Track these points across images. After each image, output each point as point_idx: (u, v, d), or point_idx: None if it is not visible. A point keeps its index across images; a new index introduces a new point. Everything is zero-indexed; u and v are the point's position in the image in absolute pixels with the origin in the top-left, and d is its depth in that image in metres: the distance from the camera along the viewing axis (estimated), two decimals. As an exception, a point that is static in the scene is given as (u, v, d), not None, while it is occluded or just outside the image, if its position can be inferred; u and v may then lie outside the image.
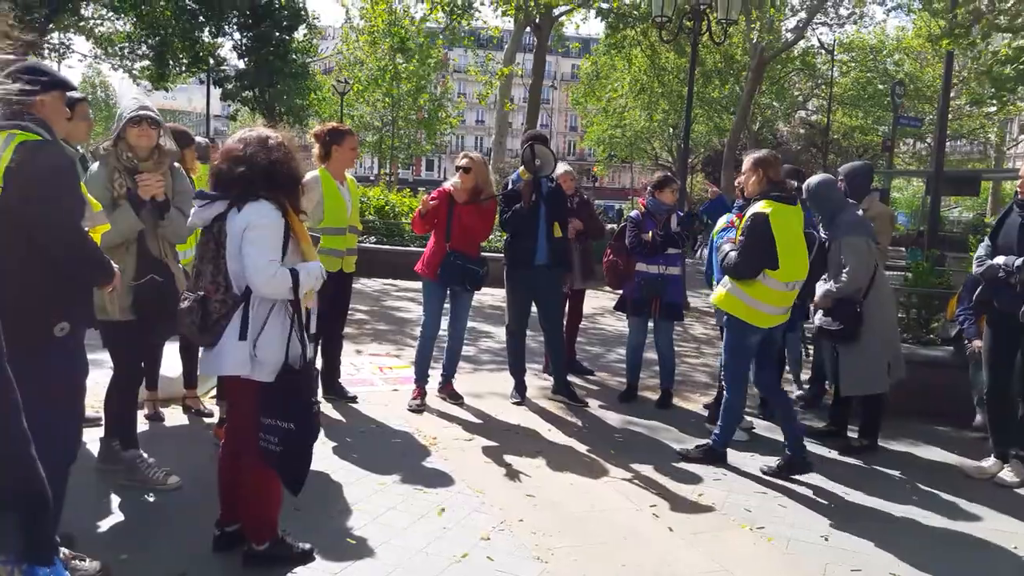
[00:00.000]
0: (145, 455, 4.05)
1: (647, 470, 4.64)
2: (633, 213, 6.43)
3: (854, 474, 4.80)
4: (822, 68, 33.18)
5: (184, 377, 5.24)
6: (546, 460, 4.73)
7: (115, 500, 3.79)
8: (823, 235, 5.28)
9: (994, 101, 16.05)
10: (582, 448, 5.01)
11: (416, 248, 12.94)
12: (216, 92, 25.43)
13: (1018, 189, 4.82)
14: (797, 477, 4.61)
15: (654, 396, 6.29)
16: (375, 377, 6.56)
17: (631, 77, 29.29)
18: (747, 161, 4.84)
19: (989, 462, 4.86)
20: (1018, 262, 4.53)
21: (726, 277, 4.73)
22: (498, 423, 5.47)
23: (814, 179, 5.39)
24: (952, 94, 19.66)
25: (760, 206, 4.58)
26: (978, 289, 4.90)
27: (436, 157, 57.26)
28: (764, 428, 5.63)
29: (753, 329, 4.67)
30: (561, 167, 6.59)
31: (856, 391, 5.22)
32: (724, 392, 4.95)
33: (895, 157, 30.30)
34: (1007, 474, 4.74)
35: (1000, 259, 4.65)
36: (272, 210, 2.97)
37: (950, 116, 20.92)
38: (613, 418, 5.76)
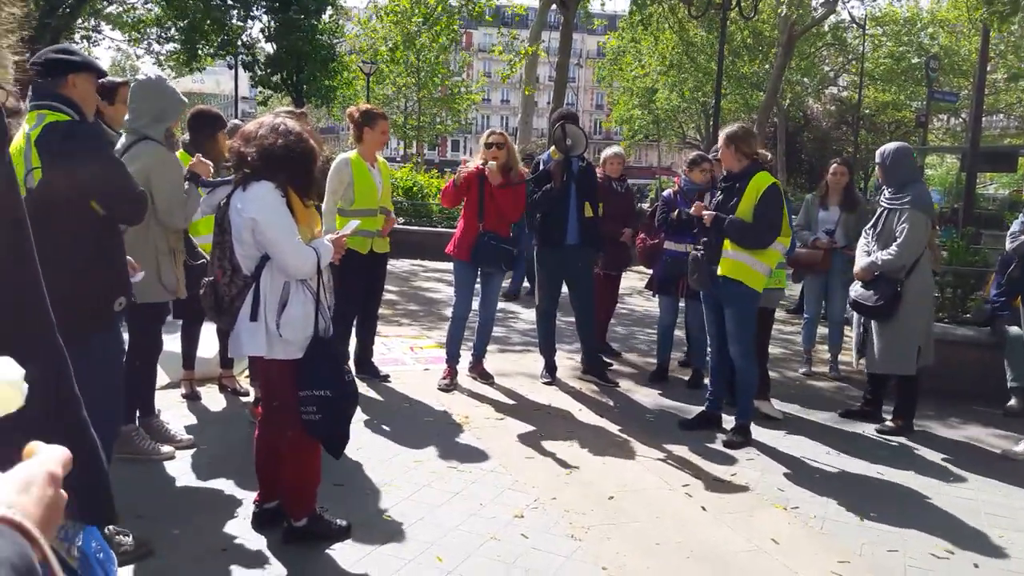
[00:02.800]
0: (140, 427, 4.15)
1: (679, 450, 4.63)
2: (666, 192, 6.39)
3: (889, 454, 4.76)
4: (853, 43, 32.54)
5: (220, 357, 5.31)
6: (578, 440, 4.74)
7: (155, 478, 3.87)
8: (884, 204, 5.17)
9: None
10: (613, 428, 5.02)
11: (444, 229, 12.97)
12: (245, 76, 25.58)
13: None
14: (830, 457, 4.60)
15: (685, 376, 6.27)
16: (406, 357, 6.61)
17: (658, 54, 28.94)
18: (722, 138, 4.85)
19: None
20: None
21: (735, 254, 4.72)
22: (529, 403, 5.49)
23: (891, 145, 5.27)
24: (988, 67, 19.22)
25: (764, 177, 4.72)
26: (1011, 267, 4.82)
27: (462, 137, 57.16)
28: (799, 410, 5.61)
29: (757, 295, 4.79)
30: (610, 149, 6.60)
31: (883, 369, 5.18)
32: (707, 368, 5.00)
33: (929, 133, 29.71)
34: None
35: None
36: (272, 190, 3.00)
37: (986, 90, 20.45)
38: (644, 398, 5.76)
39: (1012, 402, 5.61)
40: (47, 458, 0.76)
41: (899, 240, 4.92)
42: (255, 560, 3.12)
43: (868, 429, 5.19)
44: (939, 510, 3.95)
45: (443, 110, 38.35)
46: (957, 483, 4.33)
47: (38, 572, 0.63)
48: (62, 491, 0.75)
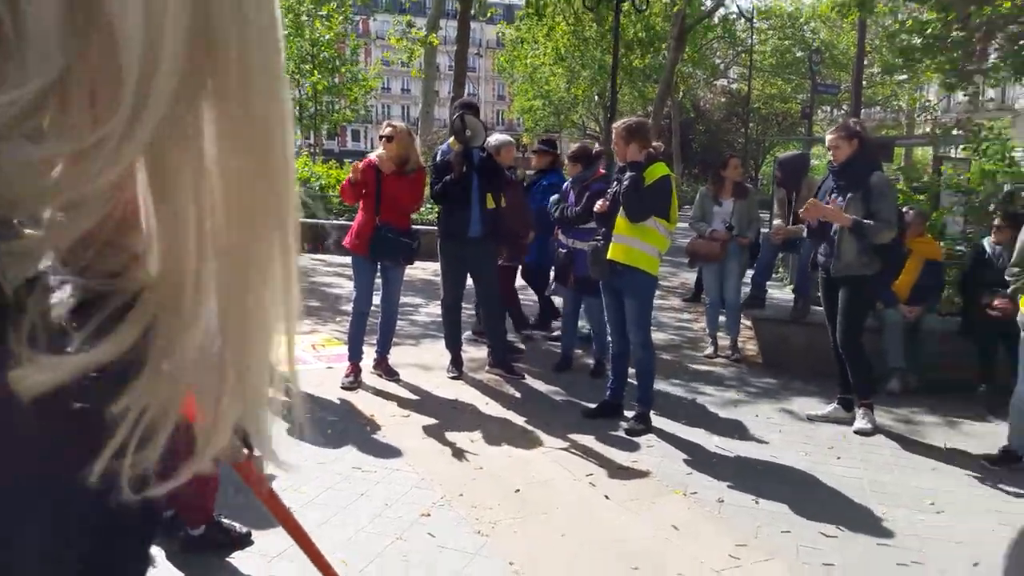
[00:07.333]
0: None
1: (583, 439, 4.71)
2: (564, 185, 6.48)
3: (782, 437, 4.97)
4: (742, 36, 33.67)
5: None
6: (484, 434, 4.75)
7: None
8: None
9: (904, 70, 16.62)
10: (519, 420, 5.06)
11: (344, 221, 12.74)
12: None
13: (831, 158, 5.21)
14: (726, 441, 4.78)
15: (589, 362, 6.37)
16: (308, 355, 6.46)
17: (552, 45, 29.14)
18: (621, 130, 4.90)
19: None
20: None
21: (626, 239, 4.82)
22: (435, 398, 5.47)
23: None
24: (865, 62, 20.24)
25: (658, 168, 4.85)
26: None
27: (363, 127, 56.26)
28: (697, 395, 5.78)
29: (654, 281, 4.97)
30: (501, 137, 6.57)
31: None
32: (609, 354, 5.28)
33: (814, 124, 31.12)
34: (860, 422, 5.07)
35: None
36: None
37: (864, 83, 21.53)
38: (549, 389, 5.82)
39: (892, 383, 5.94)
40: None
41: None
42: (152, 573, 2.99)
43: (764, 412, 5.40)
44: (828, 489, 4.15)
45: (340, 98, 37.54)
46: (844, 463, 4.56)
47: None
48: None
